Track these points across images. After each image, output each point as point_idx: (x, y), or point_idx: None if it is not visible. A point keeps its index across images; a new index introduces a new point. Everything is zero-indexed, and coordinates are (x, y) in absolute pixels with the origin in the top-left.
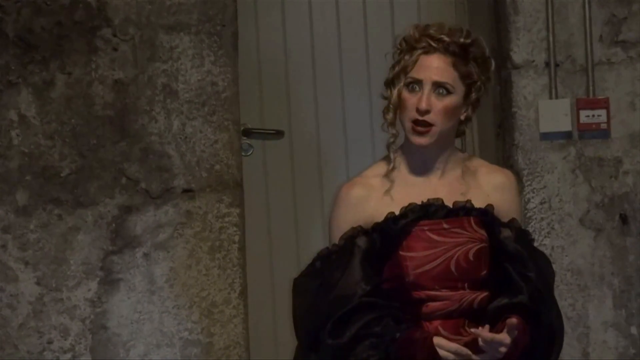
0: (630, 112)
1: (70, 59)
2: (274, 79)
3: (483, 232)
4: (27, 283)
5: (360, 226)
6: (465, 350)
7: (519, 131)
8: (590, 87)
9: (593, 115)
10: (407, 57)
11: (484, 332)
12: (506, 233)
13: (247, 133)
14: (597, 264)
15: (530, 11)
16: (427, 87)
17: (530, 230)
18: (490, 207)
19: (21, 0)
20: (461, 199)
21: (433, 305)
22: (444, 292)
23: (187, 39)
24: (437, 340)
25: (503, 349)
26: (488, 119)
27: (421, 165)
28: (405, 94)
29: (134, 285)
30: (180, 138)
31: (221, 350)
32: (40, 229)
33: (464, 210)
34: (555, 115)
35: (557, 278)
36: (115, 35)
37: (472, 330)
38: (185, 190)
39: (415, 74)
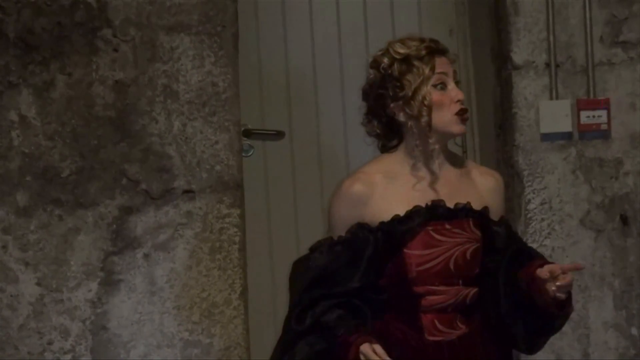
0: (630, 112)
1: (71, 60)
2: (274, 80)
3: (479, 232)
4: (28, 284)
5: (366, 223)
6: None
7: (519, 132)
8: (591, 88)
9: (593, 116)
10: (420, 65)
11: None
12: (498, 230)
13: (248, 134)
14: (598, 264)
15: (531, 12)
16: (452, 82)
17: (531, 231)
18: (486, 209)
19: (22, 1)
20: (460, 198)
21: (432, 298)
22: (442, 288)
23: (187, 40)
24: (363, 347)
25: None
26: (488, 120)
27: (424, 164)
28: (436, 94)
29: (134, 286)
30: (181, 139)
31: (221, 351)
32: (41, 229)
33: (464, 212)
34: (556, 116)
35: None
36: (115, 36)
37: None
38: (186, 191)
39: (440, 73)
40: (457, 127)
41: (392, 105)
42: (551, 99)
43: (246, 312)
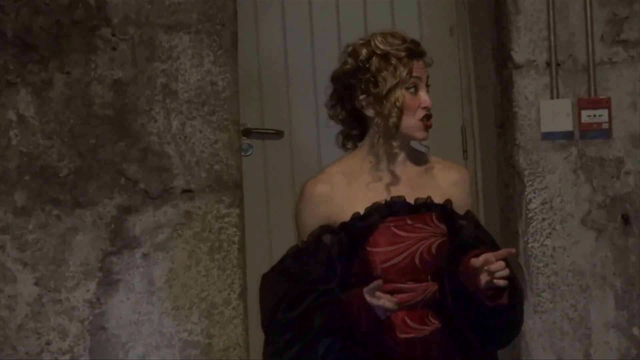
0: (631, 112)
1: (69, 59)
2: (273, 79)
3: (443, 226)
4: (26, 284)
5: (327, 225)
6: (388, 304)
7: (520, 131)
8: (592, 87)
9: (594, 115)
10: (398, 66)
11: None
12: (463, 224)
13: (247, 133)
14: (599, 264)
15: (531, 11)
16: (424, 87)
17: (532, 231)
18: (448, 202)
19: (20, 0)
20: (421, 194)
21: (400, 297)
22: (410, 285)
23: (186, 39)
24: (365, 289)
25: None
26: (489, 119)
27: (385, 162)
28: (408, 97)
29: (133, 286)
30: (180, 138)
31: (221, 352)
32: (39, 229)
33: (425, 207)
34: (557, 115)
35: (558, 279)
36: (114, 35)
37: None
38: (185, 191)
39: (415, 77)
40: (420, 133)
41: (361, 97)
42: (552, 98)
43: (245, 312)
